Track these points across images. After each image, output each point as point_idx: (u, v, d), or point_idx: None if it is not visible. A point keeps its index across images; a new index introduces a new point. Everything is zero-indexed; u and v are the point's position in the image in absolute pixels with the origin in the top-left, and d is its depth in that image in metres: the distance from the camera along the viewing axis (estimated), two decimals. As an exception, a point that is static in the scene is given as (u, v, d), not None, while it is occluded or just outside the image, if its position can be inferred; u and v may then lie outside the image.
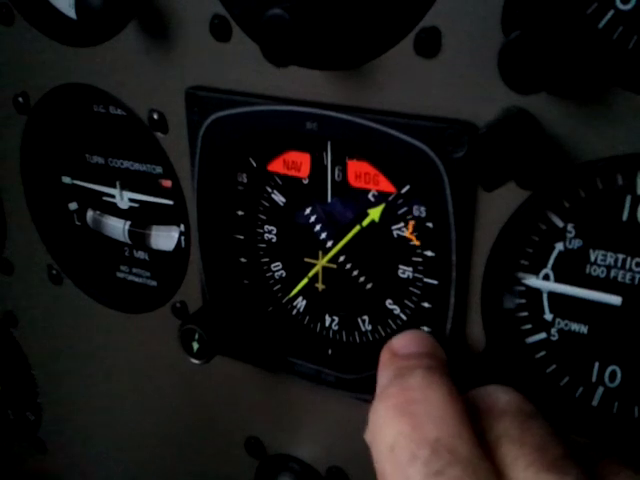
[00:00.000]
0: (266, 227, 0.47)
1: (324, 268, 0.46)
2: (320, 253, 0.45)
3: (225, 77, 0.42)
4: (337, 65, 0.38)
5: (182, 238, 0.52)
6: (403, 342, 0.33)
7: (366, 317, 0.46)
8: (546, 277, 0.38)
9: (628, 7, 0.31)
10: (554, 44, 0.30)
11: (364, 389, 0.44)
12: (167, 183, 0.51)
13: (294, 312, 0.48)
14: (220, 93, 0.42)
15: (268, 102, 0.41)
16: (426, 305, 0.42)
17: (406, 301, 0.43)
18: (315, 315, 0.48)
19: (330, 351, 0.48)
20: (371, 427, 0.27)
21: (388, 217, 0.42)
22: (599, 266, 0.36)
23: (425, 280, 0.42)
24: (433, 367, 0.30)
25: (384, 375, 0.31)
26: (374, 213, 0.42)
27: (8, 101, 0.52)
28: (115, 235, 0.55)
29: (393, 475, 0.25)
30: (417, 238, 0.41)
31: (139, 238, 0.54)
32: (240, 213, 0.47)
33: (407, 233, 0.41)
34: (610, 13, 0.32)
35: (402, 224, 0.41)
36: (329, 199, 0.43)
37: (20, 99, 0.51)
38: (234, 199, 0.47)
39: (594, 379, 0.39)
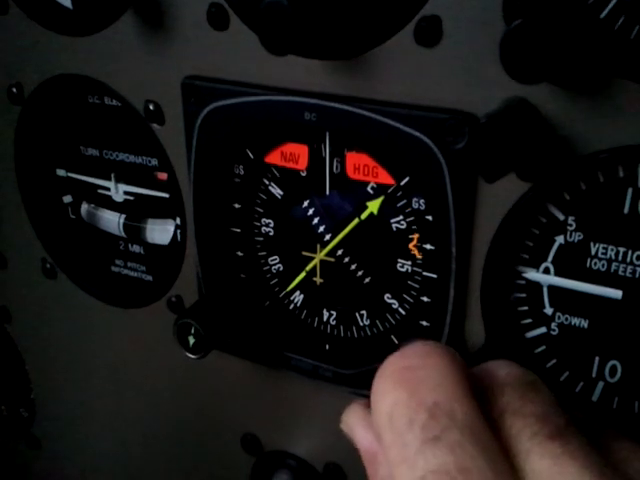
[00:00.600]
0: (263, 220, 0.46)
1: (322, 262, 0.45)
2: (318, 246, 0.45)
3: (222, 67, 0.42)
4: (336, 54, 0.38)
5: (178, 231, 0.51)
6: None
7: (364, 312, 0.45)
8: (546, 270, 0.37)
9: (631, -3, 0.31)
10: (556, 33, 0.29)
11: (362, 384, 0.44)
12: (163, 175, 0.50)
13: (291, 306, 0.48)
14: (217, 83, 0.42)
15: (266, 92, 0.40)
16: (425, 299, 0.42)
17: (405, 295, 0.43)
18: (313, 309, 0.47)
19: (327, 346, 0.47)
20: (372, 399, 0.26)
21: (387, 210, 0.41)
22: (600, 259, 0.36)
23: (424, 274, 0.41)
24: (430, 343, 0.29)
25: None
26: (373, 206, 0.41)
27: (2, 92, 0.51)
28: (110, 229, 0.55)
29: (392, 444, 0.24)
30: (418, 250, 0.41)
31: (134, 232, 0.54)
32: (237, 206, 0.47)
33: (411, 245, 0.41)
34: (612, 3, 0.31)
35: (401, 217, 0.41)
36: (327, 192, 0.43)
37: (14, 90, 0.51)
38: (231, 192, 0.46)
39: (594, 374, 0.38)
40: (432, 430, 0.23)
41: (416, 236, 0.41)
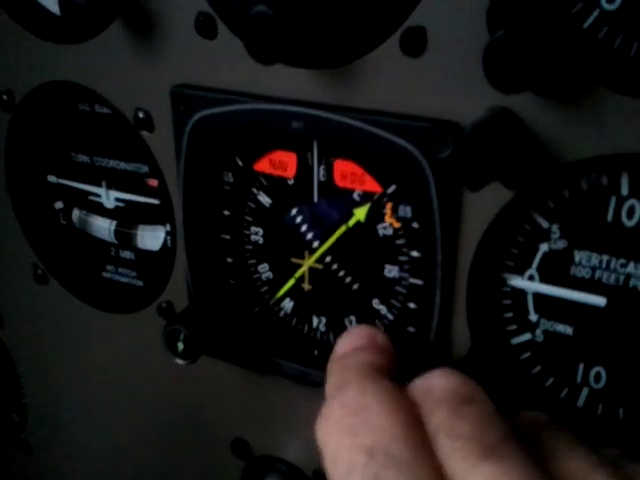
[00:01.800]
0: (252, 228, 0.47)
1: (310, 269, 0.45)
2: (306, 253, 0.45)
3: (211, 75, 0.42)
4: (323, 64, 0.38)
5: (168, 238, 0.51)
6: (341, 343, 0.34)
7: (353, 317, 0.45)
8: (531, 278, 0.38)
9: (613, 7, 0.31)
10: (539, 43, 0.30)
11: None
12: (153, 182, 0.50)
13: (281, 313, 0.48)
14: (206, 91, 0.42)
15: (254, 101, 0.40)
16: (412, 305, 0.42)
17: (392, 301, 0.43)
18: (302, 316, 0.47)
19: (316, 352, 0.47)
20: (319, 445, 0.27)
21: (374, 216, 0.41)
22: (584, 267, 0.36)
23: (411, 280, 0.42)
24: (367, 367, 0.30)
25: (327, 385, 0.31)
26: (360, 213, 0.42)
27: (-7, 99, 0.52)
28: (101, 235, 0.55)
29: None
30: (397, 220, 0.41)
31: (125, 238, 0.54)
32: (226, 213, 0.47)
33: (387, 217, 0.41)
34: (595, 13, 0.32)
35: (387, 223, 0.41)
36: (315, 199, 0.43)
37: (5, 97, 0.51)
38: (220, 199, 0.47)
39: (579, 380, 0.39)
40: (371, 470, 0.24)
41: (389, 205, 0.41)
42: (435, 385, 0.28)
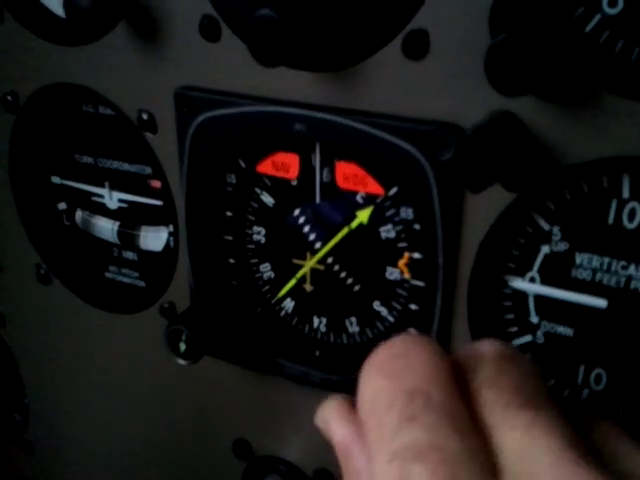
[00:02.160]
0: (255, 228, 0.47)
1: (312, 269, 0.46)
2: (308, 254, 0.45)
3: (214, 77, 0.42)
4: (326, 66, 0.38)
5: (171, 238, 0.52)
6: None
7: (354, 319, 0.46)
8: (532, 280, 0.38)
9: (615, 11, 0.31)
10: (541, 47, 0.30)
11: (351, 390, 0.44)
12: (156, 183, 0.51)
13: (282, 313, 0.48)
14: (209, 93, 0.42)
15: (257, 103, 0.41)
16: (413, 307, 0.42)
17: (393, 303, 0.43)
18: (303, 316, 0.48)
19: (318, 352, 0.47)
20: (359, 388, 0.27)
21: (376, 219, 0.42)
22: (585, 269, 0.36)
23: (412, 282, 0.42)
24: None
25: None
26: (362, 215, 0.42)
27: (-3, 100, 0.52)
28: (104, 235, 0.55)
29: (373, 428, 0.25)
30: (409, 270, 0.42)
31: (128, 238, 0.54)
32: (229, 214, 0.47)
33: (400, 264, 0.42)
34: (597, 17, 0.32)
35: (390, 226, 0.41)
36: (318, 201, 0.43)
37: (9, 98, 0.51)
38: (223, 200, 0.47)
39: (580, 382, 0.39)
40: (409, 411, 0.24)
41: (407, 255, 0.41)
42: (481, 350, 0.28)
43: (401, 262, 0.42)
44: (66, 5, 0.41)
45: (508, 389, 0.25)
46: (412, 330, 0.42)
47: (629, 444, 0.27)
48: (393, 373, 0.26)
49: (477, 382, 0.26)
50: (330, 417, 0.29)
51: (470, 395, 0.26)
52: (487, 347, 0.28)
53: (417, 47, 0.35)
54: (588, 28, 0.32)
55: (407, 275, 0.42)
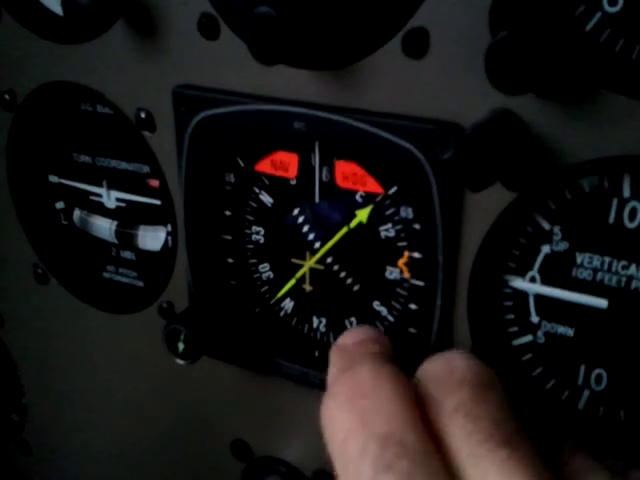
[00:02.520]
0: (254, 228, 0.47)
1: (311, 269, 0.45)
2: (308, 254, 0.45)
3: (213, 76, 0.42)
4: (325, 65, 0.38)
5: (169, 238, 0.51)
6: (347, 337, 0.34)
7: (354, 319, 0.45)
8: (532, 279, 0.38)
9: (615, 10, 0.31)
10: (541, 45, 0.30)
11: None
12: (154, 183, 0.50)
13: (282, 313, 0.48)
14: (208, 92, 0.42)
15: (256, 101, 0.40)
16: (413, 307, 0.42)
17: (393, 302, 0.43)
18: (303, 316, 0.47)
19: (317, 352, 0.47)
20: (324, 424, 0.27)
21: (376, 218, 0.42)
22: (585, 269, 0.36)
23: (412, 282, 0.42)
24: (378, 355, 0.30)
25: (332, 368, 0.31)
26: (362, 214, 0.42)
27: (-6, 98, 0.52)
28: (102, 235, 0.55)
29: (346, 471, 0.25)
30: (408, 269, 0.41)
31: (126, 238, 0.54)
32: (227, 213, 0.47)
33: (400, 263, 0.41)
34: (597, 15, 0.32)
35: (390, 225, 0.41)
36: (317, 200, 0.43)
37: (7, 96, 0.51)
38: (221, 199, 0.47)
39: (580, 382, 0.39)
40: (384, 459, 0.24)
41: (406, 254, 0.41)
42: (457, 366, 0.28)
43: (401, 261, 0.41)
44: (64, 3, 0.41)
45: (486, 421, 0.25)
46: (412, 330, 0.42)
47: (603, 477, 0.27)
48: (363, 415, 0.25)
49: (451, 404, 0.26)
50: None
51: (443, 416, 0.26)
52: (462, 365, 0.28)
53: (417, 45, 0.35)
54: (588, 27, 0.32)
55: (407, 274, 0.41)
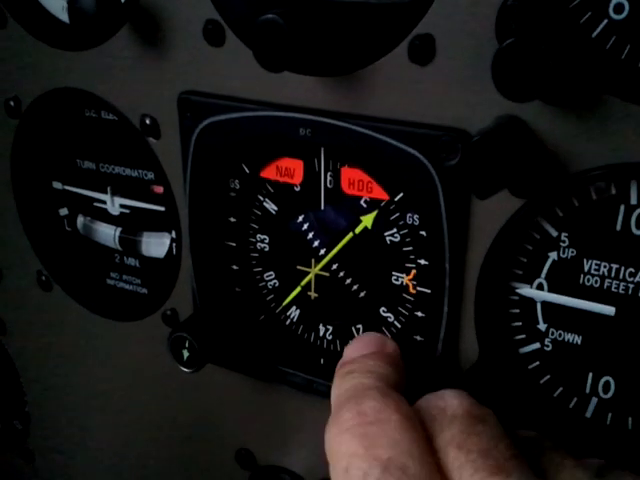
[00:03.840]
0: (258, 236, 0.46)
1: (317, 276, 0.45)
2: (313, 261, 0.45)
3: (218, 82, 0.42)
4: (331, 71, 0.38)
5: (173, 245, 0.51)
6: (351, 350, 0.35)
7: (360, 326, 0.45)
8: (540, 286, 0.38)
9: (621, 17, 0.31)
10: (548, 52, 0.30)
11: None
12: (159, 189, 0.50)
13: (287, 322, 0.48)
14: (213, 98, 0.42)
15: (261, 108, 0.40)
16: (419, 314, 0.42)
17: (400, 308, 0.43)
18: (309, 324, 0.47)
19: (322, 361, 0.47)
20: (327, 449, 0.28)
21: (381, 224, 0.41)
22: (593, 276, 0.36)
23: (418, 289, 0.41)
24: (384, 378, 0.30)
25: (336, 389, 0.31)
26: (367, 220, 0.42)
27: (-1, 105, 0.52)
28: (105, 241, 0.55)
29: None
30: (413, 285, 0.41)
31: (130, 244, 0.54)
32: (232, 220, 0.47)
33: (406, 279, 0.41)
34: (604, 22, 0.32)
35: (395, 230, 0.41)
36: (322, 206, 0.43)
37: (11, 103, 0.51)
38: (226, 206, 0.46)
39: (588, 390, 0.38)
40: None
41: (413, 272, 0.41)
42: (449, 404, 0.29)
43: (407, 278, 0.41)
44: (70, 10, 0.41)
45: (477, 453, 0.26)
46: (418, 337, 0.42)
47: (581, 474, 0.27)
48: (367, 441, 0.26)
49: (444, 439, 0.27)
50: None
51: (438, 447, 0.27)
52: (454, 402, 0.29)
53: (423, 52, 0.35)
54: (595, 33, 0.32)
55: (412, 290, 0.41)
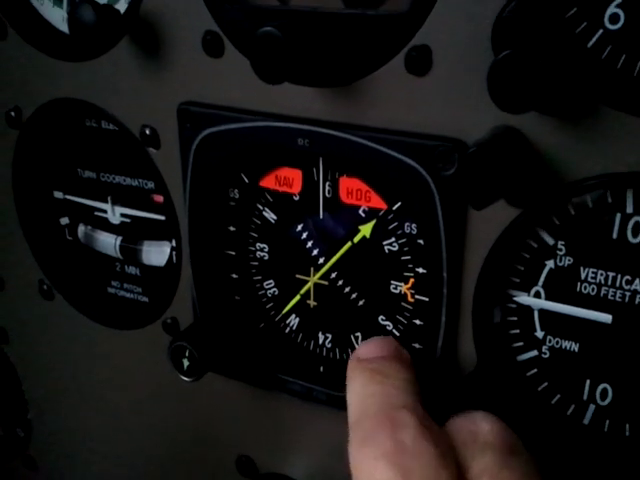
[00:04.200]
0: (258, 245, 0.47)
1: (316, 285, 0.45)
2: (312, 270, 0.45)
3: (217, 93, 0.42)
4: (329, 82, 0.38)
5: (174, 253, 0.51)
6: (367, 349, 0.35)
7: (359, 334, 0.45)
8: (537, 294, 0.38)
9: (617, 27, 0.32)
10: (543, 63, 0.30)
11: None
12: (159, 198, 0.51)
13: (287, 330, 0.48)
14: (212, 109, 0.42)
15: (260, 118, 0.41)
16: (418, 322, 0.42)
17: (398, 316, 0.43)
18: (308, 333, 0.47)
19: (322, 368, 0.47)
20: (356, 467, 0.28)
21: (379, 233, 0.42)
22: (590, 284, 0.36)
23: (417, 297, 0.42)
24: (410, 390, 0.30)
25: (357, 384, 0.31)
26: (365, 229, 0.42)
27: (0, 115, 0.52)
28: (106, 250, 0.55)
29: None
30: (412, 294, 0.42)
31: (130, 253, 0.54)
32: (232, 229, 0.47)
33: (404, 288, 0.42)
34: (599, 32, 0.32)
35: (393, 239, 0.41)
36: (321, 215, 0.43)
37: (12, 113, 0.51)
38: (226, 215, 0.47)
39: (585, 397, 0.38)
40: None
41: (411, 280, 0.41)
42: (480, 429, 0.28)
43: (405, 286, 0.41)
44: (70, 21, 0.41)
45: None
46: (417, 345, 0.42)
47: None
48: (404, 471, 0.26)
49: (477, 468, 0.27)
50: None
51: (471, 473, 0.27)
52: (486, 428, 0.28)
53: (420, 63, 0.35)
54: (590, 44, 0.32)
55: (411, 299, 0.42)
